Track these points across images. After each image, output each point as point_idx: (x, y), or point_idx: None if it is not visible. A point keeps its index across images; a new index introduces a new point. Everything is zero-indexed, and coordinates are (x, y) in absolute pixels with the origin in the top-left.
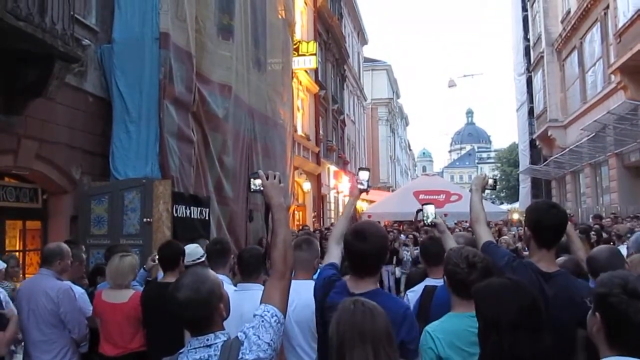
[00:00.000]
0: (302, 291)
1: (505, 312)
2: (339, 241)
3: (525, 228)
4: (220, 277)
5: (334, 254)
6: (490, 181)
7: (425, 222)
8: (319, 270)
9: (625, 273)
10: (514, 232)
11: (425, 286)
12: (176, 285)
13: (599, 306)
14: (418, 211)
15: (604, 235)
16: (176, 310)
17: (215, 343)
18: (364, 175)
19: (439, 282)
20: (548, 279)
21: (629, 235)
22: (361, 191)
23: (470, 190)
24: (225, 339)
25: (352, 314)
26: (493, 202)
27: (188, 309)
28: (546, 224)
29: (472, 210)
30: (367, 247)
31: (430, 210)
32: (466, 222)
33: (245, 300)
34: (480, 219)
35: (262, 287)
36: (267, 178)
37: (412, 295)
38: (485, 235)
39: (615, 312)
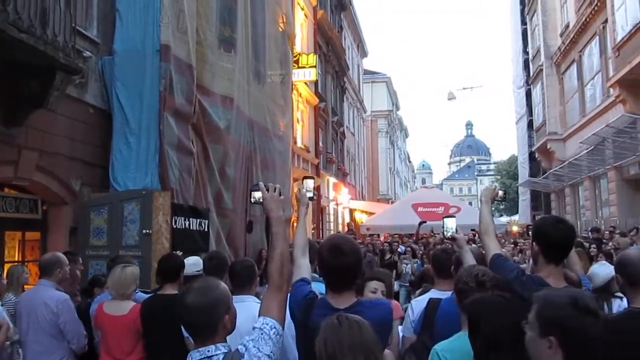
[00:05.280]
0: None
1: (506, 331)
2: (304, 252)
3: (533, 243)
4: None
5: (303, 268)
6: (500, 193)
7: (444, 235)
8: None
9: (566, 290)
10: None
11: (430, 299)
12: (186, 289)
13: (551, 330)
14: (420, 224)
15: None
16: (182, 314)
17: (216, 355)
18: (309, 184)
19: (443, 294)
20: None
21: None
22: (310, 199)
23: (480, 202)
24: (225, 351)
25: (338, 330)
26: (492, 215)
27: (193, 314)
28: (554, 239)
29: (481, 222)
30: (347, 262)
31: (450, 224)
32: (465, 234)
33: (239, 311)
34: (490, 230)
35: (255, 299)
36: (268, 190)
37: (417, 305)
38: (494, 247)
39: (574, 332)
